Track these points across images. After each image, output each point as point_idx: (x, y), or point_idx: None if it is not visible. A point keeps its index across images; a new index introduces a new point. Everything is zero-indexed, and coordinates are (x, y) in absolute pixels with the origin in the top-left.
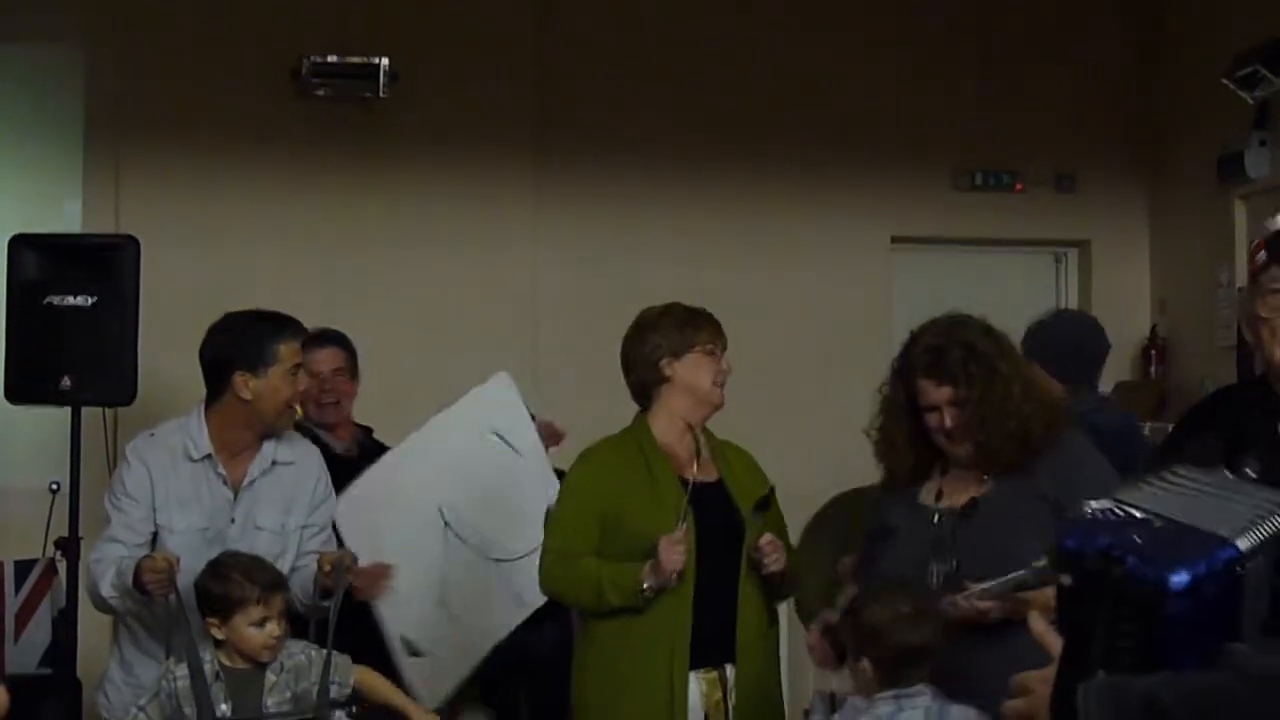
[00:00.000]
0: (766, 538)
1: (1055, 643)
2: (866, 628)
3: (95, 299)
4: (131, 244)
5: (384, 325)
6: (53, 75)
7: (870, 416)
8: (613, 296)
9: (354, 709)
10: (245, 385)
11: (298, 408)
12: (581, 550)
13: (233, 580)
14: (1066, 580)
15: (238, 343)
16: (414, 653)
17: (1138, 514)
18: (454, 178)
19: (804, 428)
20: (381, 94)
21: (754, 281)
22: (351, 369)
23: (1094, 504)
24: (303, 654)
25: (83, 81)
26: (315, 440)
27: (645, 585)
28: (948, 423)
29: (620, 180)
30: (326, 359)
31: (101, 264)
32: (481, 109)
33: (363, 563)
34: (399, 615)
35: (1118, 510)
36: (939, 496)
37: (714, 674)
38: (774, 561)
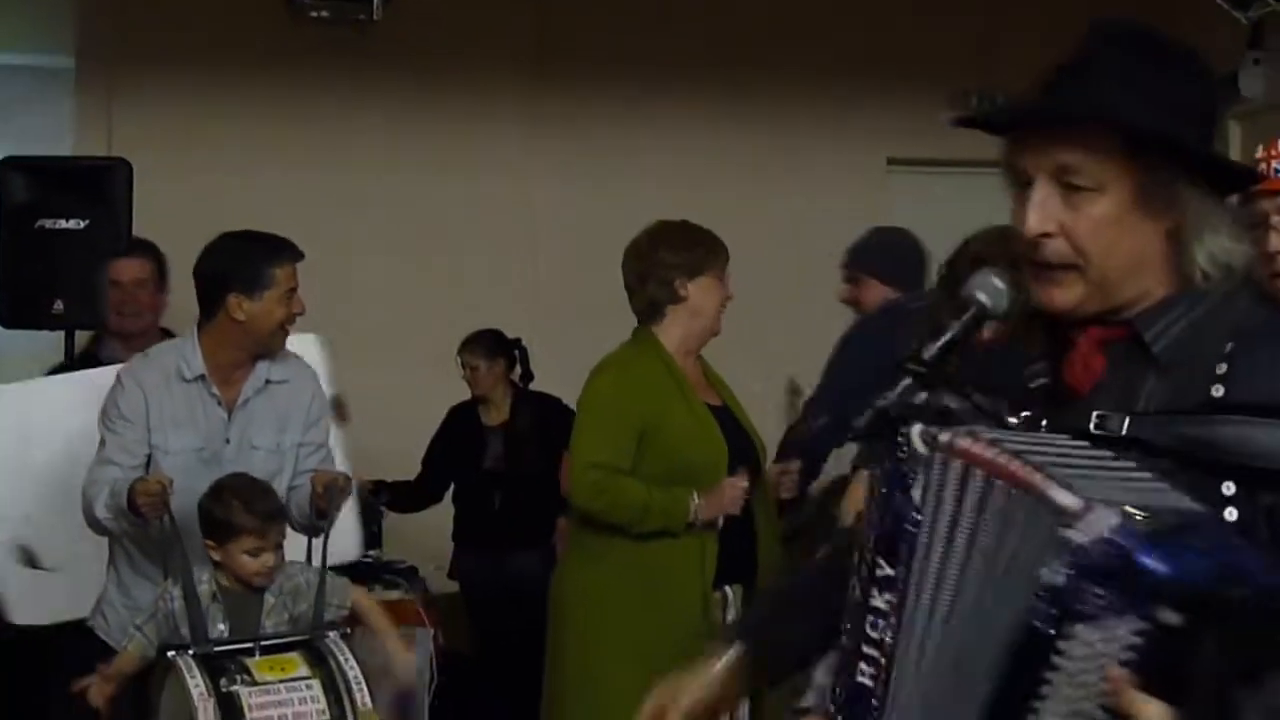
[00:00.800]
0: (777, 466)
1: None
2: None
3: (87, 222)
4: (123, 166)
5: (381, 248)
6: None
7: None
8: (609, 217)
9: (349, 630)
10: (239, 307)
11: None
12: (624, 466)
13: (231, 507)
14: (1173, 619)
15: (233, 264)
16: (32, 564)
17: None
18: (449, 100)
19: (800, 349)
20: (375, 16)
21: (750, 203)
22: (159, 281)
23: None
24: (301, 576)
25: (75, 5)
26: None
27: (697, 518)
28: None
29: (616, 101)
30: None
31: (93, 187)
32: (477, 30)
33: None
34: (26, 521)
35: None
36: None
37: (740, 589)
38: (786, 489)
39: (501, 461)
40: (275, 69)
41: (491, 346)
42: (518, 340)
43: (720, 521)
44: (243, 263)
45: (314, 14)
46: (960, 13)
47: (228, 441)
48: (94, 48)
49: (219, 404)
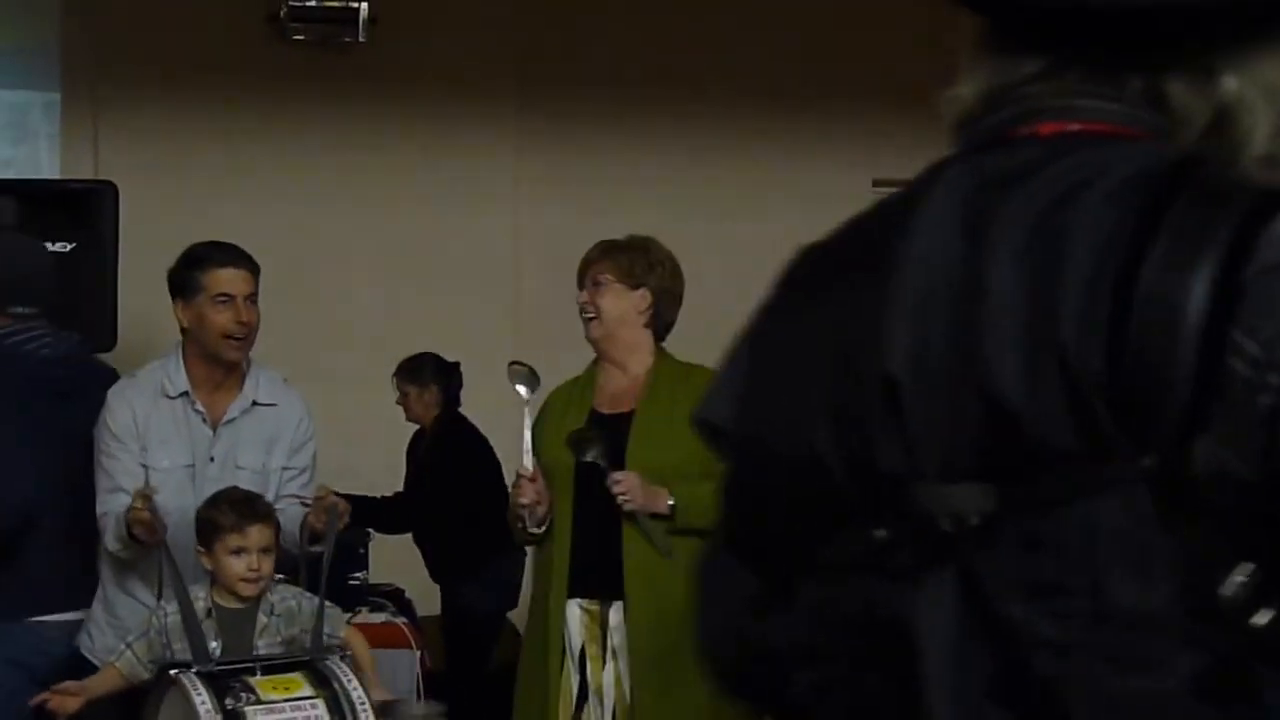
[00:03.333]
0: (616, 474)
1: None
2: None
3: (74, 245)
4: (109, 189)
5: (366, 271)
6: (29, 20)
7: None
8: (594, 241)
9: (348, 654)
10: (182, 314)
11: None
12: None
13: (216, 508)
14: None
15: (173, 273)
16: None
17: None
18: (435, 122)
19: None
20: (361, 38)
21: (736, 225)
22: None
23: None
24: (293, 600)
25: (60, 26)
26: None
27: (519, 523)
28: None
29: (602, 124)
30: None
31: (80, 210)
32: (461, 52)
33: None
34: None
35: None
36: None
37: (596, 606)
38: (624, 500)
39: (414, 489)
40: (260, 91)
41: (421, 373)
42: (455, 365)
43: (567, 527)
44: (177, 270)
45: (298, 37)
46: (945, 34)
47: (212, 459)
48: (79, 73)
49: (204, 420)
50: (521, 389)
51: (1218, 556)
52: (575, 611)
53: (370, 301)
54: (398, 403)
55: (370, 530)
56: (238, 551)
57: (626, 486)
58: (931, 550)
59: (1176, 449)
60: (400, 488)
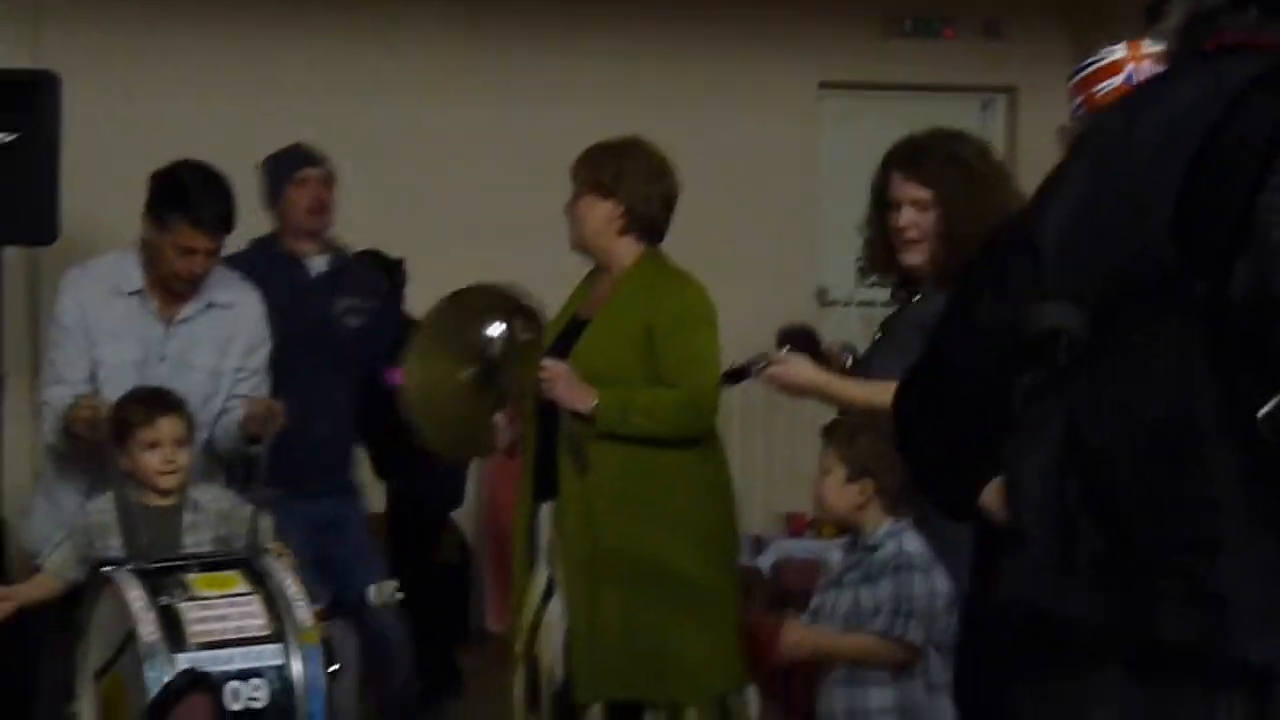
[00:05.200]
0: (546, 361)
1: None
2: (883, 448)
3: (15, 136)
4: (52, 79)
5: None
6: None
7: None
8: (539, 143)
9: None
10: (146, 229)
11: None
12: None
13: (125, 406)
14: None
15: (154, 189)
16: None
17: None
18: (384, 23)
19: (731, 278)
20: None
21: (679, 127)
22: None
23: None
24: (227, 501)
25: None
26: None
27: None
28: (901, 222)
29: (549, 28)
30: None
31: (21, 100)
32: None
33: None
34: None
35: None
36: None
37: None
38: (546, 387)
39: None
40: None
41: None
42: (400, 261)
43: (531, 431)
44: (160, 193)
45: None
46: None
47: (163, 359)
48: None
49: (157, 319)
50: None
51: (1256, 385)
52: (545, 511)
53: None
54: None
55: None
56: (151, 445)
57: (551, 374)
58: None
59: (1221, 275)
60: None
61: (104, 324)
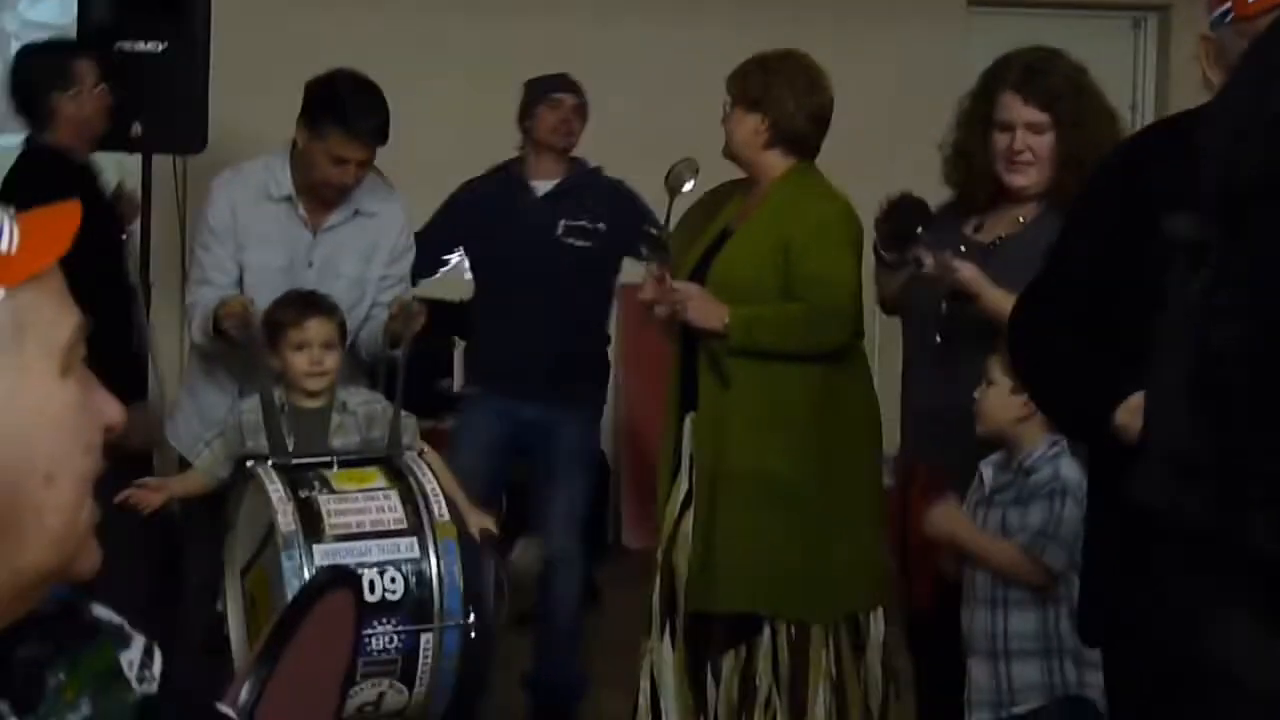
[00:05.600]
0: (676, 283)
1: None
2: None
3: (166, 44)
4: None
5: (458, 86)
6: None
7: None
8: (679, 60)
9: (423, 451)
10: (301, 136)
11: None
12: None
13: (278, 307)
14: None
15: (312, 97)
16: None
17: None
18: None
19: (874, 196)
20: None
21: (828, 46)
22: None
23: None
24: (378, 404)
25: None
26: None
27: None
28: (1017, 145)
29: None
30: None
31: (170, 10)
32: None
33: None
34: None
35: None
36: (978, 228)
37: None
38: (678, 309)
39: None
40: None
41: None
42: None
43: (676, 346)
44: (316, 101)
45: None
46: None
47: (311, 264)
48: None
49: (305, 225)
50: (689, 184)
51: None
52: (689, 422)
53: (459, 114)
54: None
55: (455, 337)
56: (300, 347)
57: (683, 294)
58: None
59: None
60: None
61: (253, 228)
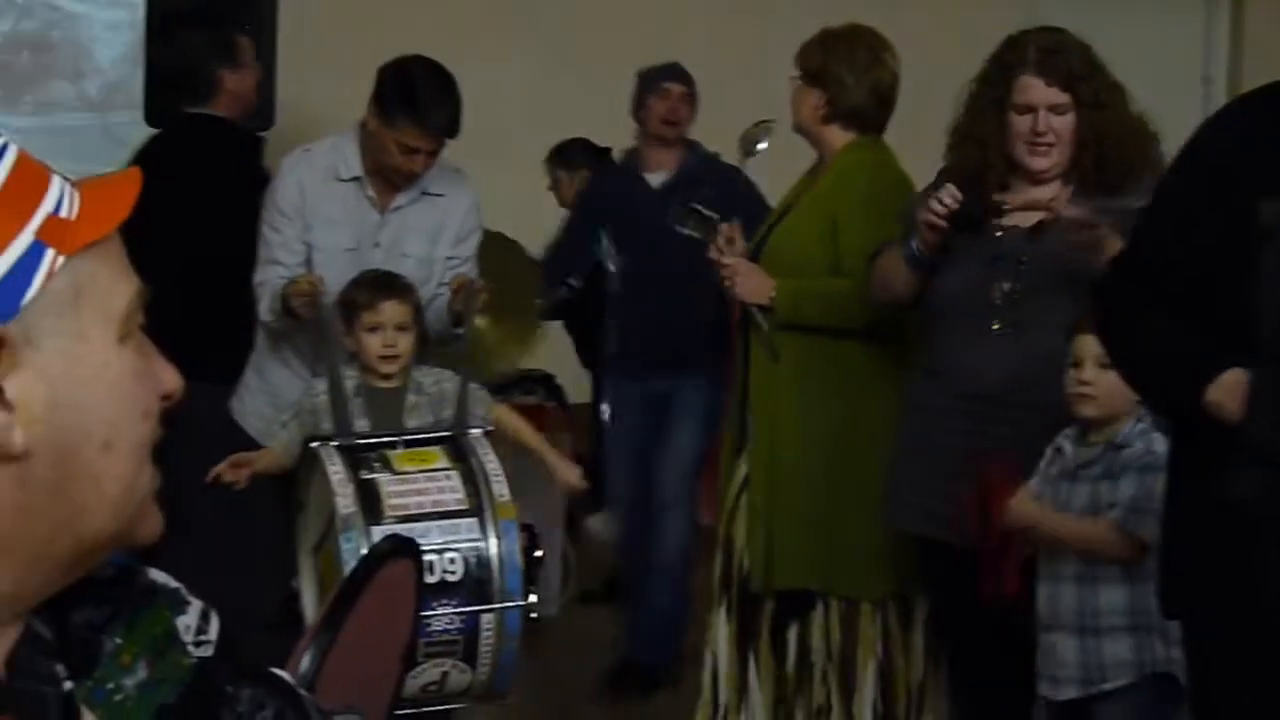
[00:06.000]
0: (725, 259)
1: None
2: None
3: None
4: None
5: (530, 51)
6: None
7: (953, 118)
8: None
9: (491, 429)
10: (371, 121)
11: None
12: None
13: (354, 287)
14: None
15: (382, 84)
16: None
17: None
18: None
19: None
20: None
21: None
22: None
23: None
24: (449, 383)
25: None
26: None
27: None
28: (1040, 127)
29: None
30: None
31: None
32: None
33: None
34: None
35: None
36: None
37: None
38: (725, 283)
39: None
40: None
41: (573, 158)
42: (607, 150)
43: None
44: (390, 89)
45: None
46: None
47: (378, 245)
48: None
49: (373, 206)
50: (763, 145)
51: None
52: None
53: (531, 81)
54: (549, 188)
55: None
56: (374, 329)
57: (731, 268)
58: None
59: None
60: None
61: (321, 209)
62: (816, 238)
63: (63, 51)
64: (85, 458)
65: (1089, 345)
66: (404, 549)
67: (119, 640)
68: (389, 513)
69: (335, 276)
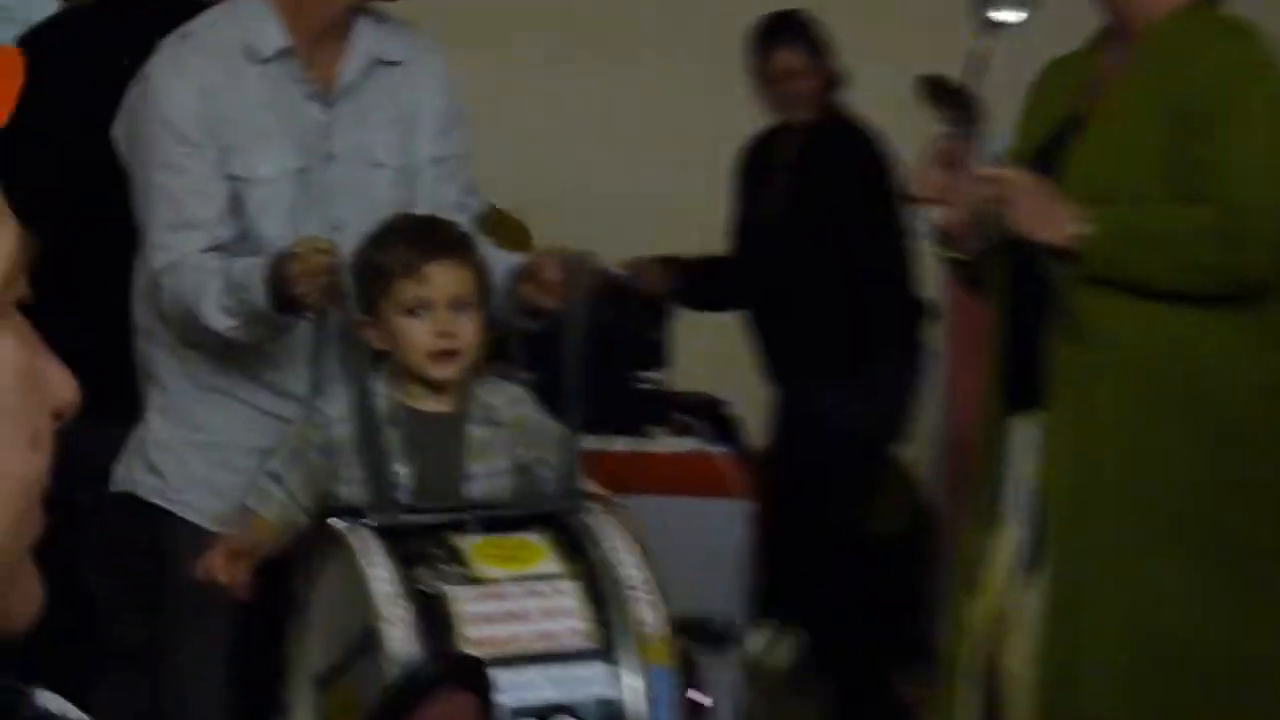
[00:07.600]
0: (993, 171)
1: None
2: None
3: None
4: None
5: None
6: None
7: None
8: None
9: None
10: None
11: None
12: None
13: (380, 245)
14: None
15: None
16: None
17: None
18: None
19: None
20: None
21: None
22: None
23: None
24: (526, 407)
25: None
26: None
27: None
28: None
29: None
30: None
31: None
32: None
33: None
34: None
35: None
36: None
37: None
38: (996, 210)
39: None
40: None
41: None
42: None
43: None
44: None
45: None
46: None
47: (332, 156)
48: None
49: (314, 97)
50: (1015, 16)
51: None
52: (1025, 432)
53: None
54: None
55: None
56: (415, 310)
57: (1008, 187)
58: None
59: None
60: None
61: (240, 115)
62: (1146, 151)
63: None
64: None
65: None
66: (464, 673)
67: None
68: (468, 648)
69: (285, 220)
